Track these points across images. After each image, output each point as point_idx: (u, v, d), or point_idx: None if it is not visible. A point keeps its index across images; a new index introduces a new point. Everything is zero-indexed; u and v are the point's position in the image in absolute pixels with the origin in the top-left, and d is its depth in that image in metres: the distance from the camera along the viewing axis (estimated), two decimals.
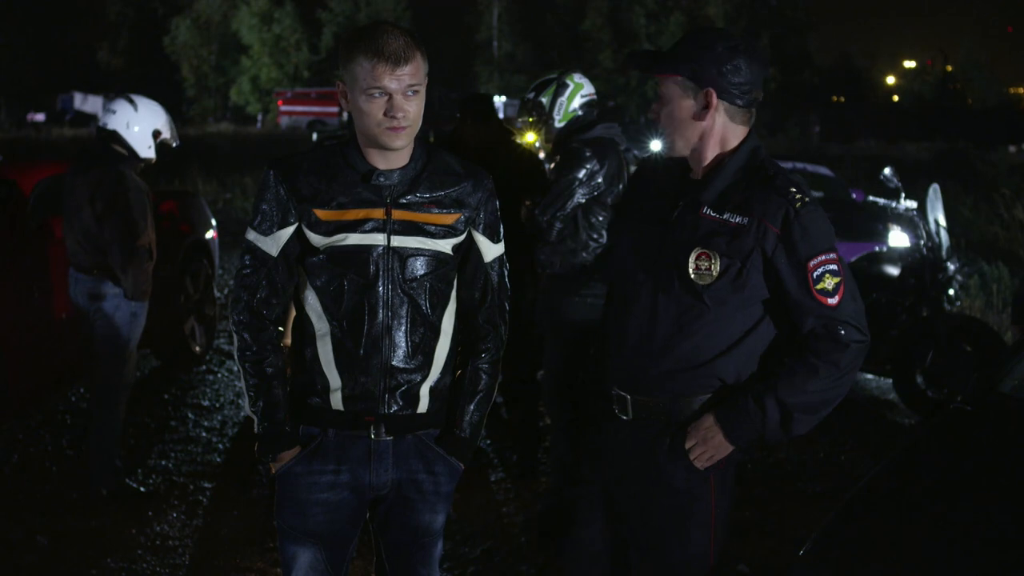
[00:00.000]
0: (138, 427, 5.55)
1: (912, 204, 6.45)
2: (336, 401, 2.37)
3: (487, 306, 2.50)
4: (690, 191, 2.38)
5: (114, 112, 4.53)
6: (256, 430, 2.43)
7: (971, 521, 2.44)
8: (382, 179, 2.33)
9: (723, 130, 2.36)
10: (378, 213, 2.32)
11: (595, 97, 4.53)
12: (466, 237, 2.43)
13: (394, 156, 2.34)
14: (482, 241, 2.45)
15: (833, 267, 2.28)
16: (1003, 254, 11.57)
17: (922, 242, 6.30)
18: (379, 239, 2.32)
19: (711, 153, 2.37)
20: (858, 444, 5.72)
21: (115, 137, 4.51)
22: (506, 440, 5.48)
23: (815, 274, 2.26)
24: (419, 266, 2.35)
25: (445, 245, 2.38)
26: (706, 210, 2.32)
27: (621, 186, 4.33)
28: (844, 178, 14.01)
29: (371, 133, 2.28)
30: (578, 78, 4.51)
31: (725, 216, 2.30)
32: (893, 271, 6.47)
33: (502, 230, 2.52)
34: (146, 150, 4.56)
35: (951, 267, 6.23)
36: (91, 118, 45.73)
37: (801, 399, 2.28)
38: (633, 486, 2.43)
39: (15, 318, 5.20)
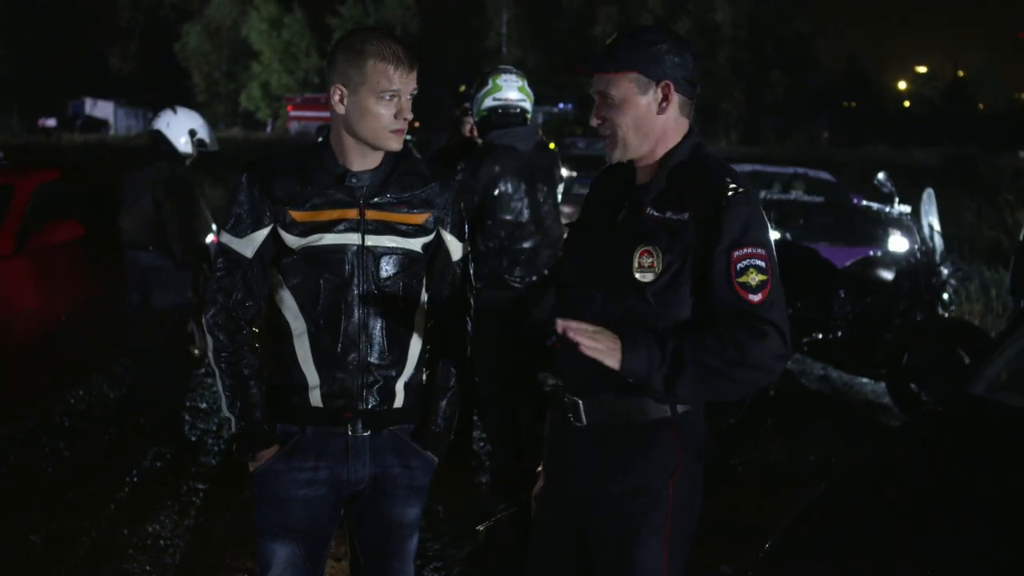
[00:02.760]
0: (135, 428, 5.59)
1: (906, 209, 6.45)
2: (315, 398, 2.41)
3: (454, 303, 2.56)
4: (635, 193, 2.33)
5: (159, 116, 5.52)
6: (234, 430, 2.46)
7: (931, 520, 2.46)
8: (355, 180, 2.39)
9: (674, 124, 2.31)
10: (352, 213, 2.37)
11: (510, 103, 4.43)
12: (435, 236, 2.49)
13: (370, 158, 2.40)
14: (450, 240, 2.52)
15: (760, 263, 2.14)
16: (1005, 259, 11.54)
17: (916, 246, 6.31)
18: (354, 239, 2.37)
19: (661, 149, 2.31)
20: (851, 447, 5.72)
21: (159, 136, 5.43)
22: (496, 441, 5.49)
23: (739, 265, 2.14)
24: (392, 264, 2.41)
25: (416, 244, 2.44)
26: (649, 210, 2.26)
27: (510, 188, 4.33)
28: (850, 183, 14.02)
29: (375, 136, 2.33)
30: (502, 79, 4.43)
31: (667, 214, 2.22)
32: (888, 275, 6.48)
33: (467, 229, 2.58)
34: (183, 146, 5.45)
35: (945, 271, 6.23)
36: (101, 123, 46.08)
37: (697, 359, 2.12)
38: (589, 494, 2.34)
39: (13, 320, 5.26)
